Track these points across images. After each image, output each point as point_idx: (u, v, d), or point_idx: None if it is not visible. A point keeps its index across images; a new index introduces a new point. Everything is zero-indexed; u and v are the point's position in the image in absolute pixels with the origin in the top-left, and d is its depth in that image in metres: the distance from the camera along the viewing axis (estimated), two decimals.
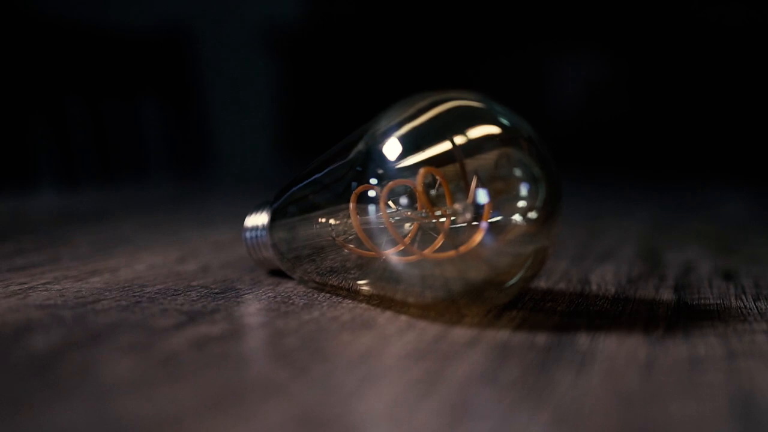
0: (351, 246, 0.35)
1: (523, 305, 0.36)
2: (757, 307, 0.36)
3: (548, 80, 1.91)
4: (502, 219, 0.32)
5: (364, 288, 0.36)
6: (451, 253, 0.32)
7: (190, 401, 0.24)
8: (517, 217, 0.32)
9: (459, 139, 0.33)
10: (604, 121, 1.83)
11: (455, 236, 0.32)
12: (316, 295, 0.38)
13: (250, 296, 0.38)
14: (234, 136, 2.07)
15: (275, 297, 0.38)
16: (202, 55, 1.52)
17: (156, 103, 1.32)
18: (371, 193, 0.33)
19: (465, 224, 0.32)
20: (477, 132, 0.33)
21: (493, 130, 0.33)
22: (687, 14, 1.80)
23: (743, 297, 0.38)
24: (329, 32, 2.03)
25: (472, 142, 0.33)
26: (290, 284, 0.40)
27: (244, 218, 0.41)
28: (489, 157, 0.33)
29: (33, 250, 0.50)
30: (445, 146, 0.33)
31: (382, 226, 0.33)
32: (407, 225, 0.33)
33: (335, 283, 0.38)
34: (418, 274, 0.33)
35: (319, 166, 0.37)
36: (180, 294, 0.38)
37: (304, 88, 2.06)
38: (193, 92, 1.39)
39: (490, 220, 0.32)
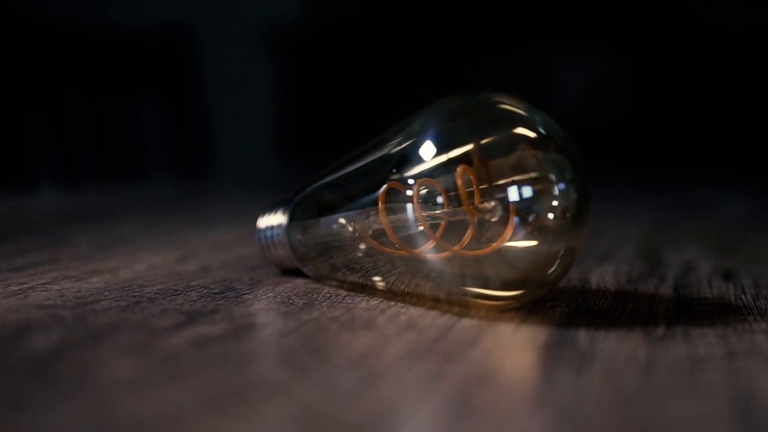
0: (376, 243, 0.35)
1: (523, 305, 0.36)
2: (757, 307, 0.36)
3: (548, 80, 1.91)
4: (533, 217, 0.32)
5: (388, 286, 0.37)
6: (485, 250, 0.33)
7: (190, 401, 0.24)
8: (548, 216, 0.33)
9: (491, 140, 0.34)
10: (604, 121, 1.83)
11: (485, 233, 0.33)
12: (315, 295, 0.38)
13: (250, 296, 0.38)
14: (234, 136, 2.07)
15: (275, 297, 0.38)
16: (202, 55, 1.52)
17: (156, 103, 1.32)
18: (408, 192, 0.34)
19: (496, 221, 0.32)
20: (510, 133, 0.34)
21: (525, 131, 0.34)
22: (687, 14, 1.80)
23: (743, 297, 0.38)
24: (329, 32, 2.03)
25: (504, 143, 0.34)
26: (290, 284, 0.40)
27: (258, 217, 0.42)
28: (521, 158, 0.33)
29: (33, 250, 0.50)
30: (477, 146, 0.33)
31: (409, 225, 0.34)
32: (431, 223, 0.34)
33: (361, 282, 0.38)
34: (449, 270, 0.34)
35: (345, 165, 0.37)
36: (180, 294, 0.38)
37: (304, 88, 2.06)
38: (193, 92, 1.39)
39: (521, 218, 0.32)
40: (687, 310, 0.36)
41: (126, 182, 1.19)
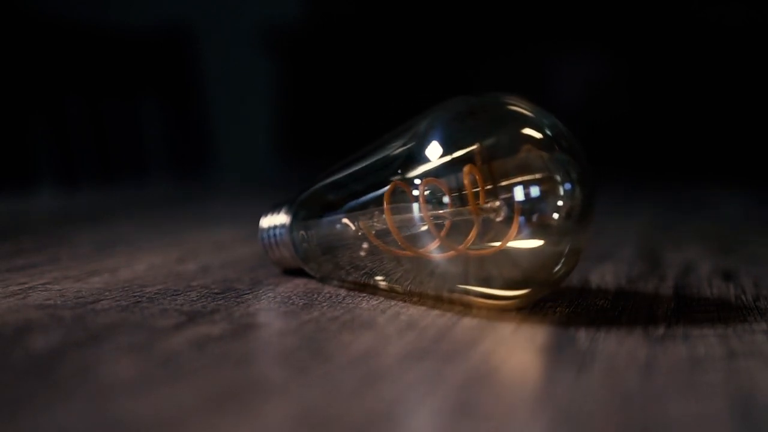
0: (381, 243, 0.36)
1: (526, 305, 0.36)
2: (757, 307, 0.36)
3: (548, 80, 1.91)
4: (537, 217, 0.32)
5: (394, 285, 0.37)
6: (491, 249, 0.33)
7: (191, 401, 0.24)
8: (553, 216, 0.33)
9: (496, 140, 0.34)
10: (604, 121, 1.83)
11: (490, 233, 0.33)
12: (315, 296, 0.38)
13: (250, 296, 0.38)
14: (234, 136, 2.07)
15: (275, 297, 0.38)
16: (202, 55, 1.52)
17: (156, 103, 1.32)
18: (414, 192, 0.34)
19: (501, 221, 0.32)
20: (515, 133, 0.34)
21: (531, 131, 0.34)
22: (687, 14, 1.80)
23: (743, 297, 0.38)
24: (329, 32, 2.03)
25: (509, 144, 0.34)
26: (290, 284, 0.40)
27: (260, 217, 0.42)
28: (526, 157, 0.33)
29: (33, 250, 0.50)
30: (483, 146, 0.34)
31: (414, 225, 0.34)
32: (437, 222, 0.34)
33: (364, 281, 0.38)
34: (455, 269, 0.34)
35: (350, 164, 0.38)
36: (180, 294, 0.38)
37: (304, 88, 2.06)
38: (193, 92, 1.39)
39: (525, 218, 0.32)
40: (687, 311, 0.36)
41: (126, 182, 1.19)
